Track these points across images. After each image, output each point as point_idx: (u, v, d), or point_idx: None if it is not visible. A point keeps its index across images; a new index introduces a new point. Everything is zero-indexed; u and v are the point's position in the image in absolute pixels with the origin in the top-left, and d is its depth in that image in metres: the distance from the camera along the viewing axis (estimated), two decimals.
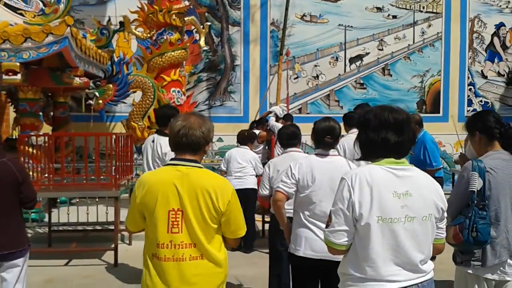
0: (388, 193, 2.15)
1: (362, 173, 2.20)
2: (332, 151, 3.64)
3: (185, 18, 8.54)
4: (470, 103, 11.85)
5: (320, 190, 3.45)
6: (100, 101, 8.28)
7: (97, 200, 7.17)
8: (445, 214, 2.25)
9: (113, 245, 6.03)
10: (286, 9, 9.86)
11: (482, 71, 11.86)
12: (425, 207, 2.17)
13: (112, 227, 7.10)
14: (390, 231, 2.14)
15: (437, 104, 11.77)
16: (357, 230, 2.19)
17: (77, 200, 7.86)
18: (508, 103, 11.86)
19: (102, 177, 6.65)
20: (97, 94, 8.27)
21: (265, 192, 4.45)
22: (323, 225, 3.46)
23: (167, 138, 4.71)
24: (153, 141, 4.79)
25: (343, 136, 6.30)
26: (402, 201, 2.15)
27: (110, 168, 6.01)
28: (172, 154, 4.54)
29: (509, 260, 3.06)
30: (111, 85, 8.33)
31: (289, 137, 4.63)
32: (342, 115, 10.45)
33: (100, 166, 6.59)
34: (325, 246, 3.47)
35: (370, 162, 2.27)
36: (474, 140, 3.20)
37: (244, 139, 7.16)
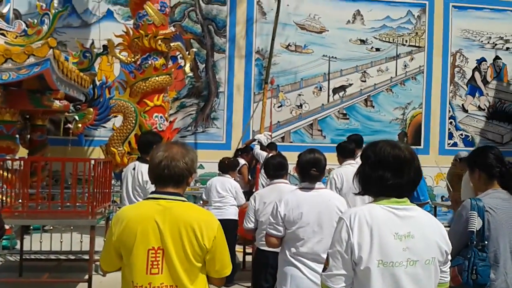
0: (389, 235, 2.02)
1: (361, 213, 2.07)
2: (318, 184, 3.52)
3: (171, 44, 8.47)
4: (450, 136, 11.95)
5: (307, 226, 3.32)
6: (80, 125, 8.06)
7: (71, 227, 6.88)
8: (449, 257, 2.13)
9: (87, 276, 5.74)
10: (273, 39, 9.89)
11: (463, 105, 12.02)
12: (428, 250, 2.04)
13: (86, 256, 6.84)
14: (391, 275, 2.00)
15: (418, 136, 11.85)
16: (356, 274, 2.05)
17: (51, 227, 7.55)
18: (488, 137, 12.00)
19: (78, 204, 6.39)
20: (76, 117, 8.06)
21: (250, 225, 4.31)
22: (310, 263, 3.34)
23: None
24: (134, 168, 4.60)
25: (330, 168, 6.26)
26: (404, 243, 2.02)
27: (88, 195, 5.77)
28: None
29: None
30: (91, 109, 8.14)
31: (276, 168, 4.50)
32: (325, 145, 10.67)
33: (77, 192, 6.34)
34: (312, 285, 3.35)
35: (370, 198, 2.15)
36: (473, 177, 3.13)
37: (225, 167, 6.91)
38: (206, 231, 2.30)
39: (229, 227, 6.29)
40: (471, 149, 11.75)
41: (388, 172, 2.09)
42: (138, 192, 4.49)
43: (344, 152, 5.71)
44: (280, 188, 4.41)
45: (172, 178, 2.36)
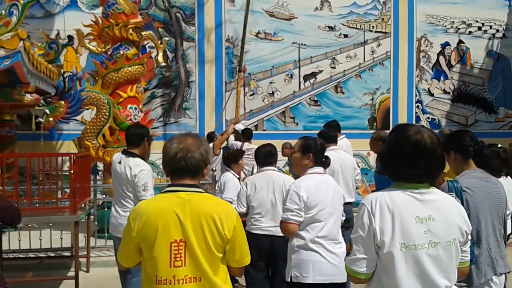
0: (410, 219, 2.08)
1: (382, 198, 2.12)
2: (322, 169, 3.65)
3: (143, 33, 8.30)
4: (418, 119, 12.27)
5: (326, 209, 3.42)
6: (51, 119, 7.84)
7: (50, 224, 6.72)
8: (469, 237, 2.20)
9: (71, 273, 5.64)
10: (244, 26, 9.84)
11: (429, 88, 12.34)
12: (449, 232, 2.10)
13: (67, 253, 6.71)
14: (414, 258, 2.06)
15: (387, 120, 12.10)
16: (380, 257, 2.10)
17: (29, 224, 7.34)
18: (454, 119, 12.38)
19: (53, 200, 6.22)
20: (47, 111, 7.82)
21: (242, 209, 4.54)
22: (329, 246, 3.41)
23: (136, 159, 4.50)
24: (119, 162, 4.49)
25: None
26: (425, 226, 2.08)
27: (70, 190, 5.63)
28: (143, 176, 4.35)
29: (494, 278, 3.08)
30: (62, 102, 7.92)
31: (266, 156, 4.72)
32: (298, 132, 10.74)
33: (57, 188, 6.18)
34: (332, 268, 3.41)
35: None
36: (449, 160, 3.20)
37: (225, 162, 6.19)
38: (226, 221, 2.31)
39: None
40: (438, 131, 12.13)
41: (404, 160, 2.10)
42: (127, 186, 4.40)
43: (326, 138, 5.78)
44: (270, 175, 4.64)
45: (189, 169, 2.35)
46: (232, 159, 5.94)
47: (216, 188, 5.99)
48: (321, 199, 3.41)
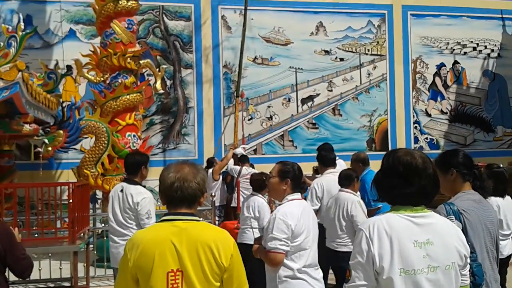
0: (408, 243, 2.07)
1: (379, 223, 2.11)
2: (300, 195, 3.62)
3: (141, 61, 8.39)
4: (416, 140, 12.30)
5: (309, 236, 3.36)
6: (50, 148, 7.84)
7: (49, 254, 6.66)
8: (468, 261, 2.18)
9: None
10: (241, 52, 9.96)
11: (426, 109, 12.41)
12: (448, 256, 2.09)
13: (67, 283, 6.64)
14: (413, 283, 2.05)
15: (386, 142, 12.13)
16: (379, 283, 2.08)
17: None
18: (452, 139, 12.42)
19: (52, 230, 6.18)
20: (46, 141, 7.83)
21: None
22: (313, 273, 3.37)
23: (138, 186, 4.51)
24: (121, 190, 4.50)
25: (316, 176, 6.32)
26: (424, 250, 2.07)
27: (69, 220, 5.61)
28: (146, 204, 4.35)
29: None
30: (61, 131, 7.93)
31: None
32: (297, 155, 10.75)
33: (56, 217, 6.16)
34: None
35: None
36: (447, 179, 3.03)
37: (253, 187, 5.81)
38: (223, 250, 2.29)
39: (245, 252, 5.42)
40: (437, 151, 12.16)
41: (397, 180, 2.13)
42: (129, 215, 4.40)
43: (325, 161, 5.79)
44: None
45: (185, 199, 2.34)
46: (258, 187, 5.61)
47: (246, 213, 5.59)
48: (306, 226, 3.33)
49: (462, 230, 2.85)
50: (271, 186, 3.54)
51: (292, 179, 3.47)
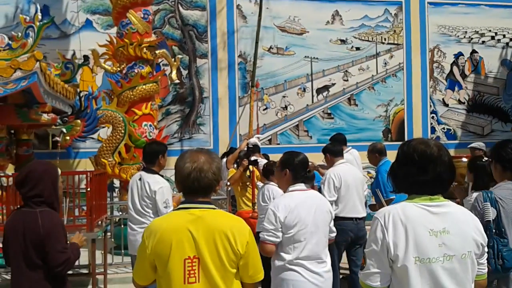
0: (424, 232, 2.08)
1: (395, 212, 2.13)
2: (305, 186, 3.55)
3: (157, 51, 8.44)
4: (433, 130, 12.18)
5: (306, 228, 3.32)
6: (68, 138, 7.96)
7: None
8: (486, 249, 2.19)
9: None
10: (256, 42, 9.94)
11: (443, 99, 12.26)
12: (464, 245, 2.10)
13: (84, 270, 6.76)
14: (429, 271, 2.06)
15: (402, 132, 12.02)
16: (394, 271, 2.10)
17: None
18: (470, 129, 12.27)
19: (71, 218, 6.27)
20: (64, 130, 7.95)
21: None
22: (310, 266, 3.36)
23: (155, 176, 4.57)
24: (139, 179, 4.56)
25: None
26: (440, 239, 2.08)
27: (87, 207, 5.70)
28: (163, 193, 4.41)
29: None
30: (79, 121, 8.04)
31: None
32: (312, 145, 10.74)
33: (74, 205, 6.25)
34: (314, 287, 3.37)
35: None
36: (493, 168, 3.35)
37: (264, 175, 5.90)
38: (239, 237, 2.33)
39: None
40: (454, 142, 12.02)
41: (413, 169, 2.14)
42: (147, 203, 4.47)
43: (334, 152, 5.77)
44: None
45: (202, 189, 2.38)
46: (270, 171, 5.59)
47: (262, 202, 5.59)
48: (301, 218, 3.30)
49: (499, 216, 3.00)
50: (275, 176, 3.58)
51: (291, 170, 3.45)
